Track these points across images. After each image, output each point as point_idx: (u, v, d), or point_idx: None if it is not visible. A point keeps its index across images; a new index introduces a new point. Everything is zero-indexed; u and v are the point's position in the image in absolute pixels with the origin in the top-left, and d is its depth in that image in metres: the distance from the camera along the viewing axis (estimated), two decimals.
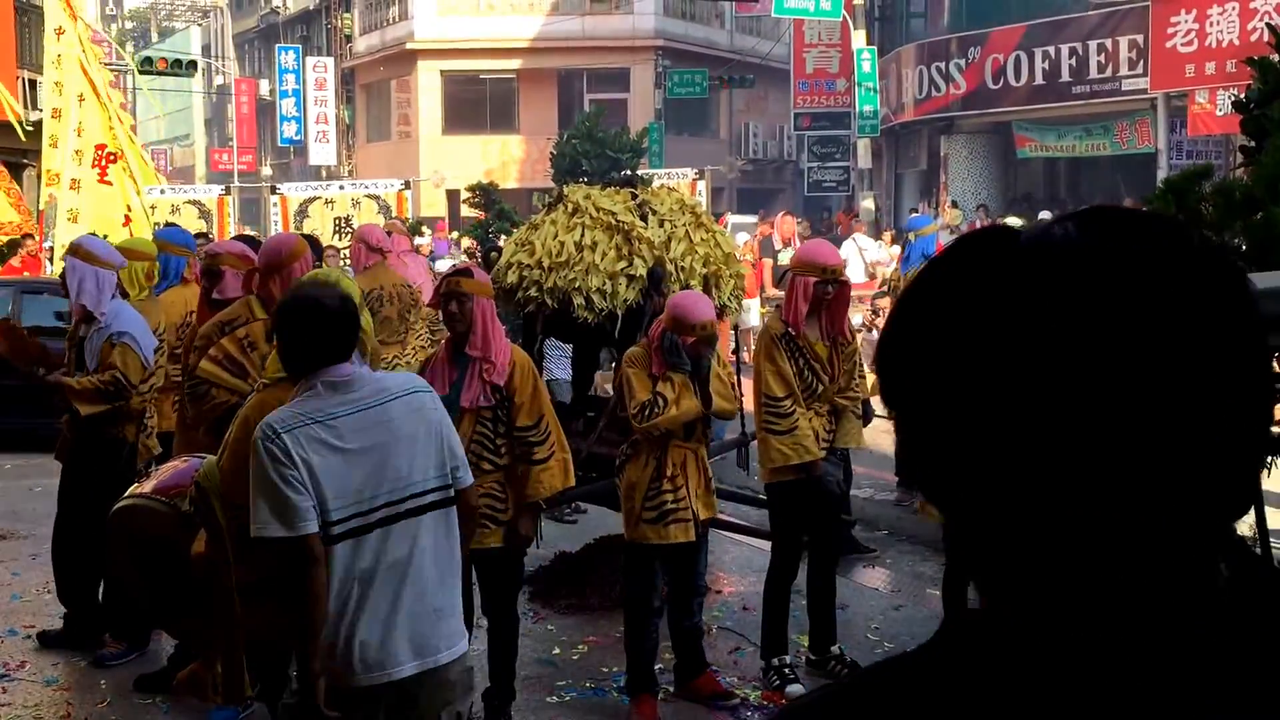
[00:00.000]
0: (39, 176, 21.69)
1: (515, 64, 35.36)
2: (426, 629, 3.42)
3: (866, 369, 6.63)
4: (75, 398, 5.90)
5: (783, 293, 6.31)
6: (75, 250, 6.09)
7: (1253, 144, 5.32)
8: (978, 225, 21.42)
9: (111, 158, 14.59)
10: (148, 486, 4.75)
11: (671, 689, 5.68)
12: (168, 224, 12.67)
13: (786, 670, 5.77)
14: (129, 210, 14.62)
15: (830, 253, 5.89)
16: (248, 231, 16.58)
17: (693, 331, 5.25)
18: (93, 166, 14.58)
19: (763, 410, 5.68)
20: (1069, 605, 0.84)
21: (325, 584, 3.37)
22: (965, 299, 0.87)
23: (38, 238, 15.83)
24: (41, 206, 15.83)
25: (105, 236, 8.69)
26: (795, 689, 5.64)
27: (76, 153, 14.68)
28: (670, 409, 5.23)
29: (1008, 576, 0.87)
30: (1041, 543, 0.84)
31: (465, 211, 22.08)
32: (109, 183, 14.60)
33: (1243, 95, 5.42)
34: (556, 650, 6.23)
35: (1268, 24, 5.60)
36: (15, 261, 15.27)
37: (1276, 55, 5.29)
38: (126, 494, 4.79)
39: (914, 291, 0.91)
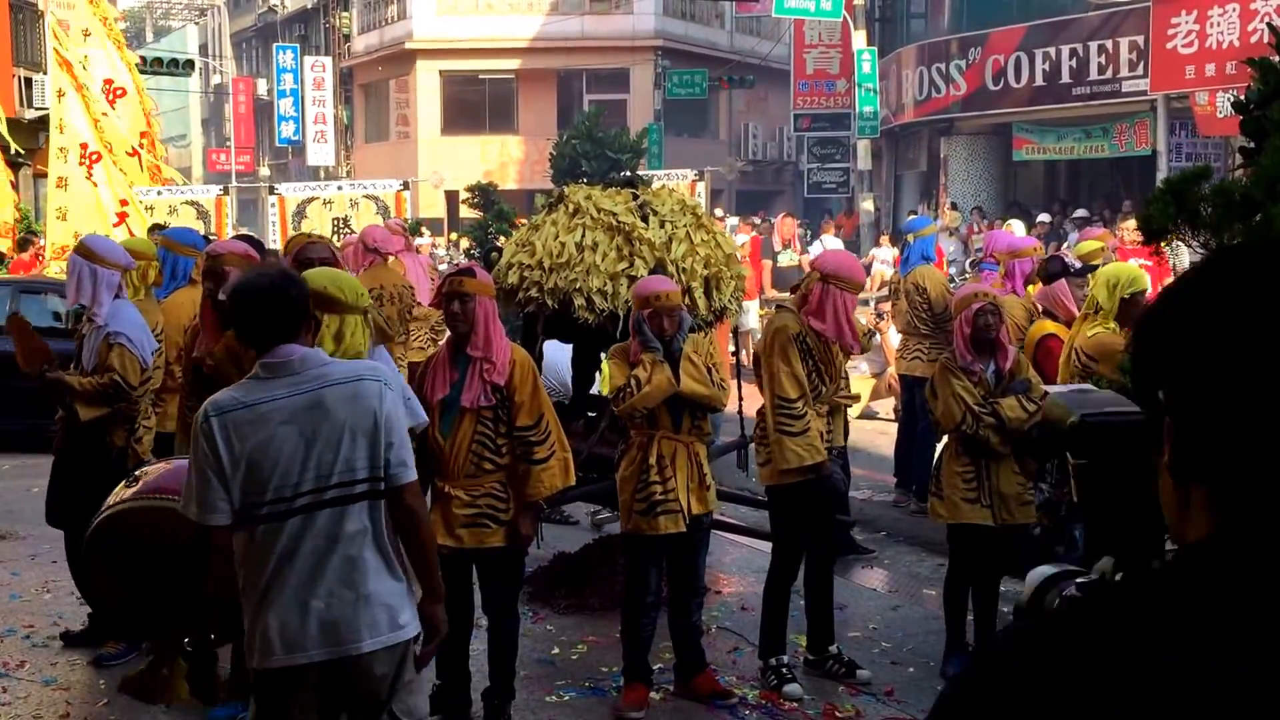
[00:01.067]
0: (35, 175, 21.79)
1: (514, 64, 35.34)
2: (349, 616, 3.40)
3: (867, 371, 6.66)
4: (75, 399, 5.90)
5: (782, 294, 6.33)
6: (79, 247, 6.15)
7: (1252, 145, 5.32)
8: (974, 228, 21.56)
9: (96, 156, 14.53)
10: (131, 491, 4.72)
11: (671, 688, 5.71)
12: (154, 225, 12.60)
13: (784, 670, 5.80)
14: (124, 206, 14.55)
15: (862, 269, 6.15)
16: (245, 232, 16.56)
17: (648, 303, 5.41)
18: (80, 164, 14.53)
19: (776, 412, 5.70)
20: None
21: (222, 572, 3.50)
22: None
23: (42, 234, 15.81)
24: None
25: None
26: (792, 688, 5.68)
27: (61, 150, 14.60)
28: (644, 387, 5.34)
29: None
30: None
31: (464, 212, 22.06)
32: (94, 182, 14.53)
33: (1242, 96, 5.41)
34: (556, 650, 6.25)
35: (1268, 24, 5.60)
36: (25, 256, 15.27)
37: (1276, 56, 5.29)
38: (105, 505, 4.69)
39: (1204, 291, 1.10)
